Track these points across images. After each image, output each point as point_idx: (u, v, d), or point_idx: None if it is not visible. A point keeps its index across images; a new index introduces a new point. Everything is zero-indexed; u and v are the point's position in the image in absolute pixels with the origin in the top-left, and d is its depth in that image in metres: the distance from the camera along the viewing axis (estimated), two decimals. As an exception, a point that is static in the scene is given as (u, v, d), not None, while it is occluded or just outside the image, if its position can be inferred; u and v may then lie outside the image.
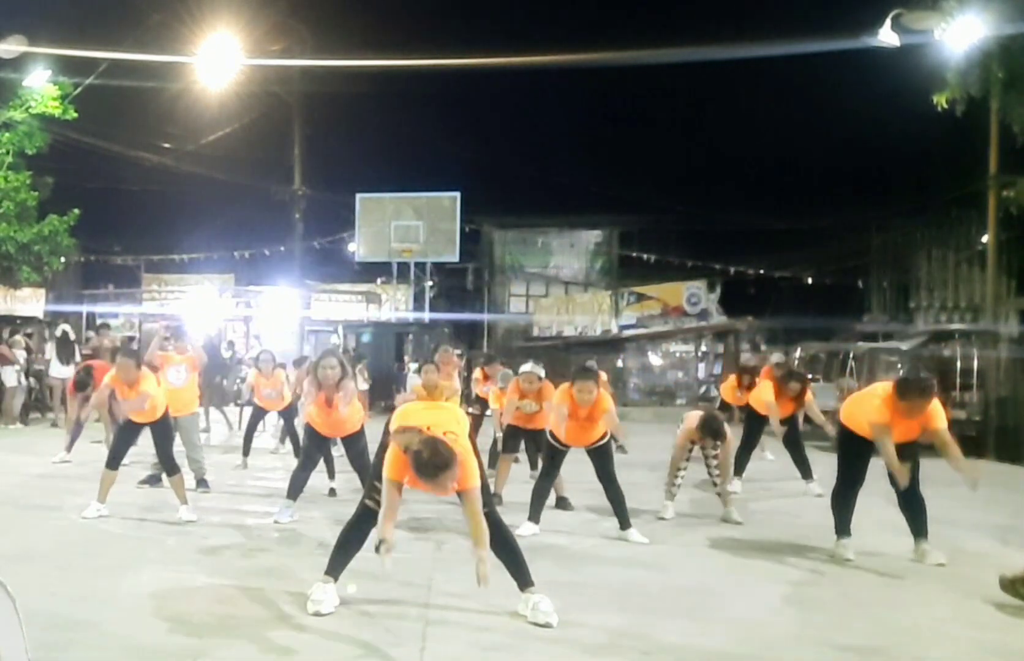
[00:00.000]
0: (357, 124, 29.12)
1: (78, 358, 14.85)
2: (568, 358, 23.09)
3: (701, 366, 25.59)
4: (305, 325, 25.16)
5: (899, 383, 5.96)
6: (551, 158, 35.03)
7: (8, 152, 16.90)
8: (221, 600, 4.96)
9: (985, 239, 17.81)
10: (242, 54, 17.42)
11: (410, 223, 25.39)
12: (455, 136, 32.89)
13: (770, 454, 11.12)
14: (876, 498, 6.28)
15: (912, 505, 6.17)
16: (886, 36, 11.73)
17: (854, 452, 6.27)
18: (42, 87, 16.50)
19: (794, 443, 9.49)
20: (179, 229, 27.83)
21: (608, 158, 32.52)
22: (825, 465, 8.18)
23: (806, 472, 9.34)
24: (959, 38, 11.59)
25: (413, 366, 16.09)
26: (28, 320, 19.63)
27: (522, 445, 9.21)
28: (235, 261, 27.87)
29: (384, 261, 26.21)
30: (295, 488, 7.31)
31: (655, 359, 26.49)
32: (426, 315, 25.25)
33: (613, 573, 5.83)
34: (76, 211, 17.29)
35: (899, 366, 15.97)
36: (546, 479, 7.08)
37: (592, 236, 29.49)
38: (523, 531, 6.49)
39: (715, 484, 7.76)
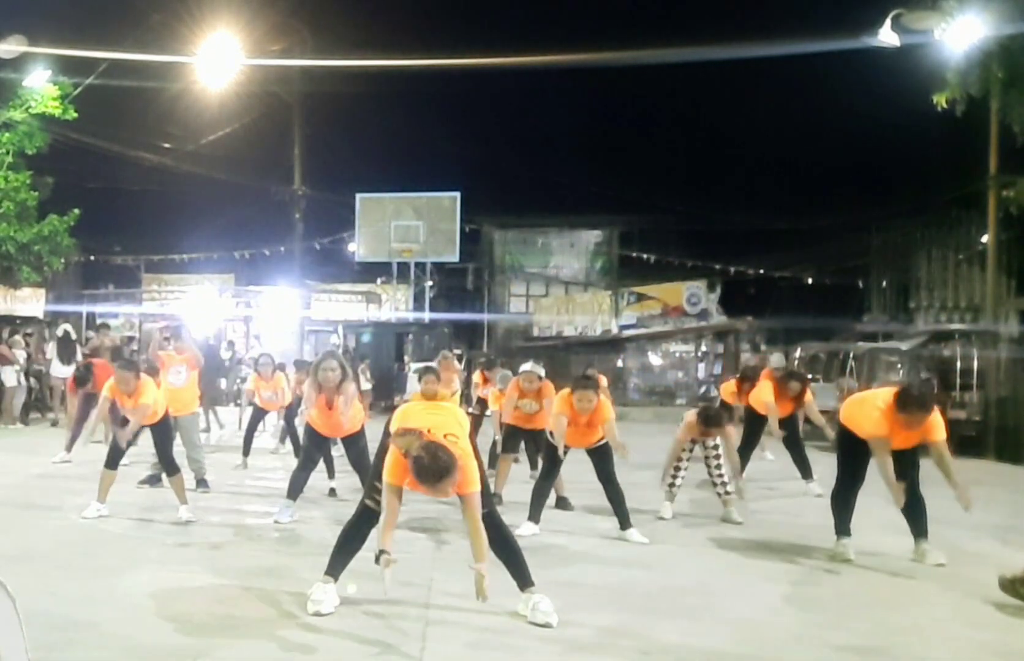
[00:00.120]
0: (357, 124, 29.18)
1: (79, 358, 14.86)
2: (568, 358, 23.13)
3: (701, 366, 25.58)
4: (305, 325, 25.18)
5: (899, 395, 5.95)
6: (551, 158, 35.11)
7: (8, 152, 16.91)
8: (221, 600, 4.96)
9: (985, 239, 17.81)
10: (242, 54, 17.44)
11: (410, 223, 25.40)
12: (455, 136, 32.98)
13: (770, 454, 11.12)
14: (876, 498, 6.28)
15: (912, 505, 6.16)
16: (886, 36, 11.74)
17: (854, 452, 6.26)
18: (42, 87, 16.50)
19: (794, 443, 9.49)
20: (179, 229, 27.90)
21: (608, 158, 32.60)
22: (825, 465, 8.17)
23: (806, 472, 9.34)
24: (959, 38, 11.59)
25: (414, 366, 16.11)
26: (28, 320, 19.64)
27: (522, 445, 9.21)
28: (235, 261, 27.92)
29: (384, 261, 26.22)
30: (295, 488, 7.31)
31: (655, 359, 26.48)
32: (426, 315, 25.25)
33: (613, 573, 5.82)
34: (76, 211, 17.30)
35: (899, 366, 16.00)
36: (546, 479, 7.08)
37: (592, 236, 29.49)
38: (523, 531, 6.49)
39: (715, 484, 7.76)
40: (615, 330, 26.89)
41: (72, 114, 16.98)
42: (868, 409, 6.13)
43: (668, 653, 4.30)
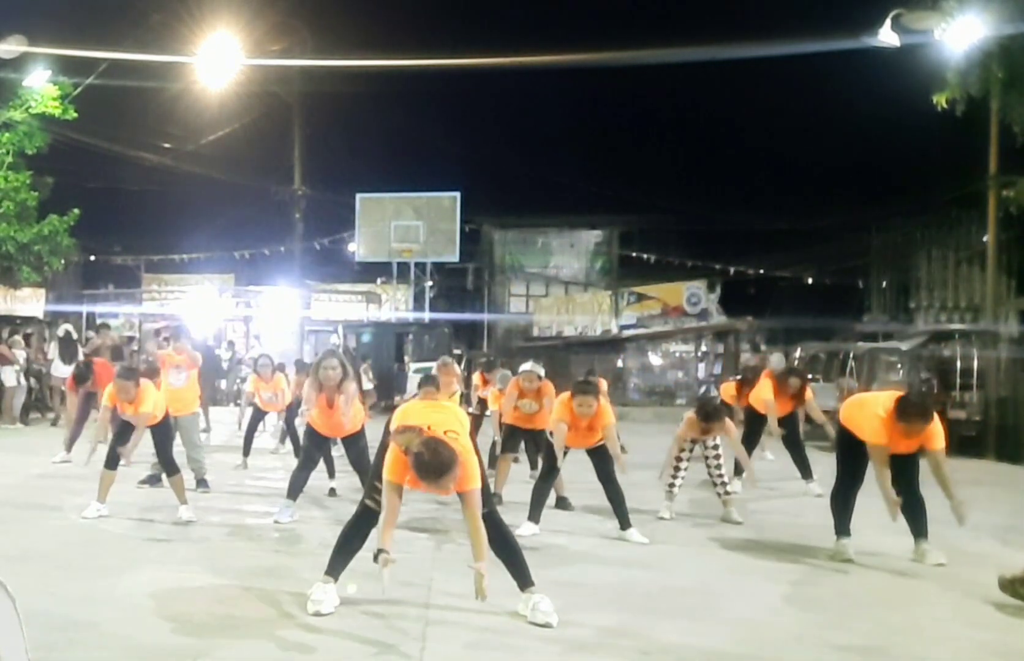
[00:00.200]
0: (357, 124, 29.19)
1: (80, 358, 14.85)
2: (568, 358, 23.12)
3: (701, 366, 25.56)
4: (305, 325, 25.18)
5: (899, 404, 5.95)
6: (551, 158, 35.05)
7: (8, 152, 16.90)
8: (221, 600, 4.96)
9: (985, 239, 17.80)
10: (242, 54, 17.44)
11: (410, 223, 25.41)
12: (455, 136, 32.99)
13: (770, 454, 11.12)
14: (876, 498, 6.26)
15: (912, 505, 6.17)
16: (886, 36, 11.73)
17: (853, 453, 6.27)
18: (42, 87, 16.49)
19: (794, 443, 9.49)
20: (179, 229, 27.91)
21: (608, 158, 32.58)
22: (825, 465, 8.18)
23: (806, 472, 9.34)
24: (959, 38, 11.59)
25: (414, 366, 16.11)
26: (28, 320, 19.65)
27: (522, 445, 9.21)
28: (235, 261, 27.91)
29: (384, 261, 26.22)
30: (295, 488, 7.31)
31: (655, 359, 26.46)
32: (426, 315, 25.26)
33: (613, 573, 5.82)
34: (76, 211, 17.29)
35: (899, 366, 16.00)
36: (546, 480, 7.08)
37: (592, 236, 29.49)
38: (523, 531, 6.49)
39: (715, 484, 7.75)
40: (615, 330, 26.88)
41: (72, 114, 16.97)
42: (868, 414, 6.13)
43: (668, 653, 4.30)
